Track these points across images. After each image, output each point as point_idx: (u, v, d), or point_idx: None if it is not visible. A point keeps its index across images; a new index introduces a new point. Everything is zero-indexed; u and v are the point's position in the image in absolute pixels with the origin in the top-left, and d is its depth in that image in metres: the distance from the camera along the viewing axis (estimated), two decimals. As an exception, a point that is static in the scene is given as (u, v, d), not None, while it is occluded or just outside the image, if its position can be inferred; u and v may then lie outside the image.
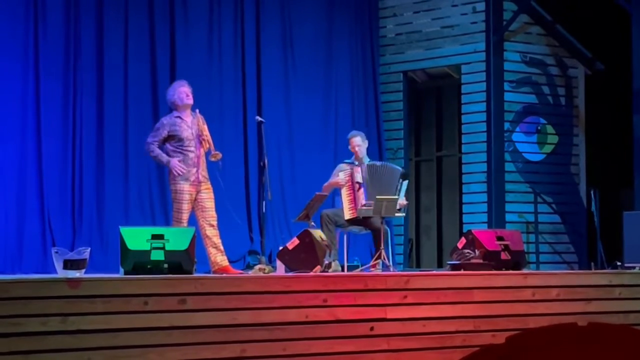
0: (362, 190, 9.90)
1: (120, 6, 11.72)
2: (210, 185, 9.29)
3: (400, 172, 10.11)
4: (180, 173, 9.11)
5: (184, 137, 9.18)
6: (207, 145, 9.27)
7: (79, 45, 11.41)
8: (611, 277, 8.75)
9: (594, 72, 13.55)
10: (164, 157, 9.19)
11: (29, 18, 11.10)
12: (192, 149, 9.20)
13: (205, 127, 9.33)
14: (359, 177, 9.96)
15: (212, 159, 9.28)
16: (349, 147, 10.34)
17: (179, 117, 9.28)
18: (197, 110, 9.35)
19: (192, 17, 12.25)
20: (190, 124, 9.25)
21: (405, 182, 10.09)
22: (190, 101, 9.28)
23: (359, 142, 10.26)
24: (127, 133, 11.66)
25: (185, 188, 9.13)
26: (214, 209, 9.26)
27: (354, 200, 9.93)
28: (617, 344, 3.67)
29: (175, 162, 9.12)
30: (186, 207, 9.13)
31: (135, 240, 7.55)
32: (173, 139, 9.21)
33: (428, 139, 14.16)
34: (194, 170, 9.17)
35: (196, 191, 9.18)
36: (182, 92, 9.27)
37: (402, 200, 10.01)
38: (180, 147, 9.19)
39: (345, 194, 9.99)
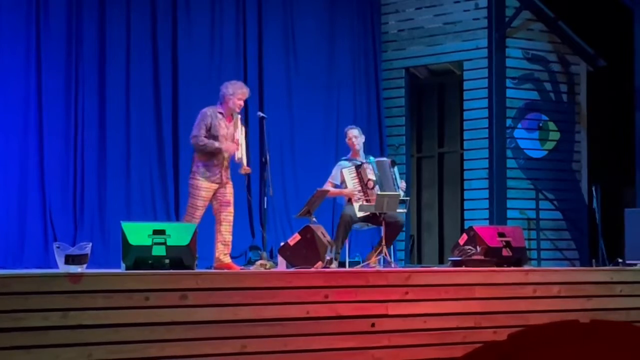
0: (376, 187, 9.87)
1: (122, 3, 11.71)
2: (231, 183, 9.27)
3: (388, 162, 10.14)
4: (232, 151, 9.10)
5: (219, 135, 9.13)
6: (241, 156, 9.23)
7: (80, 41, 11.41)
8: (612, 274, 8.75)
9: (596, 69, 13.54)
10: (215, 143, 9.11)
11: (31, 14, 11.09)
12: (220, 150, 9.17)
13: (244, 137, 9.30)
14: (370, 175, 9.94)
15: (242, 172, 9.29)
16: (346, 139, 10.32)
17: (221, 113, 9.26)
18: (239, 116, 9.34)
19: (194, 14, 12.24)
20: (228, 124, 9.23)
21: (396, 169, 10.15)
22: (238, 110, 9.28)
23: (356, 134, 10.25)
24: (129, 129, 11.66)
25: (203, 185, 9.10)
26: (232, 205, 9.23)
27: (368, 199, 9.90)
28: (619, 341, 3.67)
29: (228, 146, 9.11)
30: (201, 204, 9.10)
31: (137, 235, 7.55)
32: (207, 133, 9.17)
33: (430, 135, 14.15)
34: (218, 170, 9.14)
35: (215, 190, 9.15)
36: (239, 101, 9.23)
37: (402, 184, 10.06)
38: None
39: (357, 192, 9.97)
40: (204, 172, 9.11)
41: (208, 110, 9.24)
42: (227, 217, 9.20)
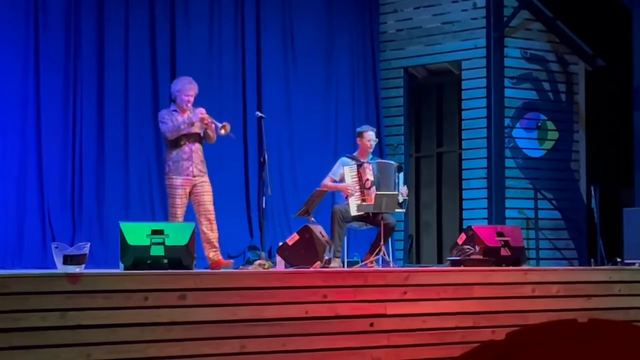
0: (373, 187, 9.86)
1: (120, 2, 11.72)
2: (207, 179, 9.28)
3: (394, 166, 10.14)
4: (202, 113, 9.11)
5: None
6: (213, 125, 9.24)
7: (79, 40, 11.41)
8: (611, 274, 8.75)
9: (595, 68, 13.54)
10: (185, 120, 9.15)
11: (29, 13, 11.09)
12: (187, 142, 9.19)
13: (201, 109, 9.26)
14: (369, 175, 9.92)
15: (222, 133, 9.24)
16: (361, 139, 10.19)
17: (175, 111, 9.32)
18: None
19: (192, 12, 12.25)
20: (186, 119, 9.26)
21: (401, 175, 10.14)
22: (186, 107, 9.28)
23: (374, 137, 10.22)
24: (128, 128, 11.66)
25: (177, 182, 9.14)
26: (211, 203, 9.25)
27: (364, 198, 9.90)
28: (617, 340, 3.67)
29: (196, 112, 9.16)
30: (180, 202, 9.14)
31: (135, 235, 7.54)
32: None
33: (428, 134, 14.15)
34: (189, 163, 9.17)
35: (191, 185, 9.18)
36: (187, 97, 9.26)
37: (403, 190, 10.04)
38: (175, 140, 9.20)
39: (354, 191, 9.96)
40: (176, 169, 9.16)
41: (163, 111, 9.43)
42: (206, 215, 9.20)
